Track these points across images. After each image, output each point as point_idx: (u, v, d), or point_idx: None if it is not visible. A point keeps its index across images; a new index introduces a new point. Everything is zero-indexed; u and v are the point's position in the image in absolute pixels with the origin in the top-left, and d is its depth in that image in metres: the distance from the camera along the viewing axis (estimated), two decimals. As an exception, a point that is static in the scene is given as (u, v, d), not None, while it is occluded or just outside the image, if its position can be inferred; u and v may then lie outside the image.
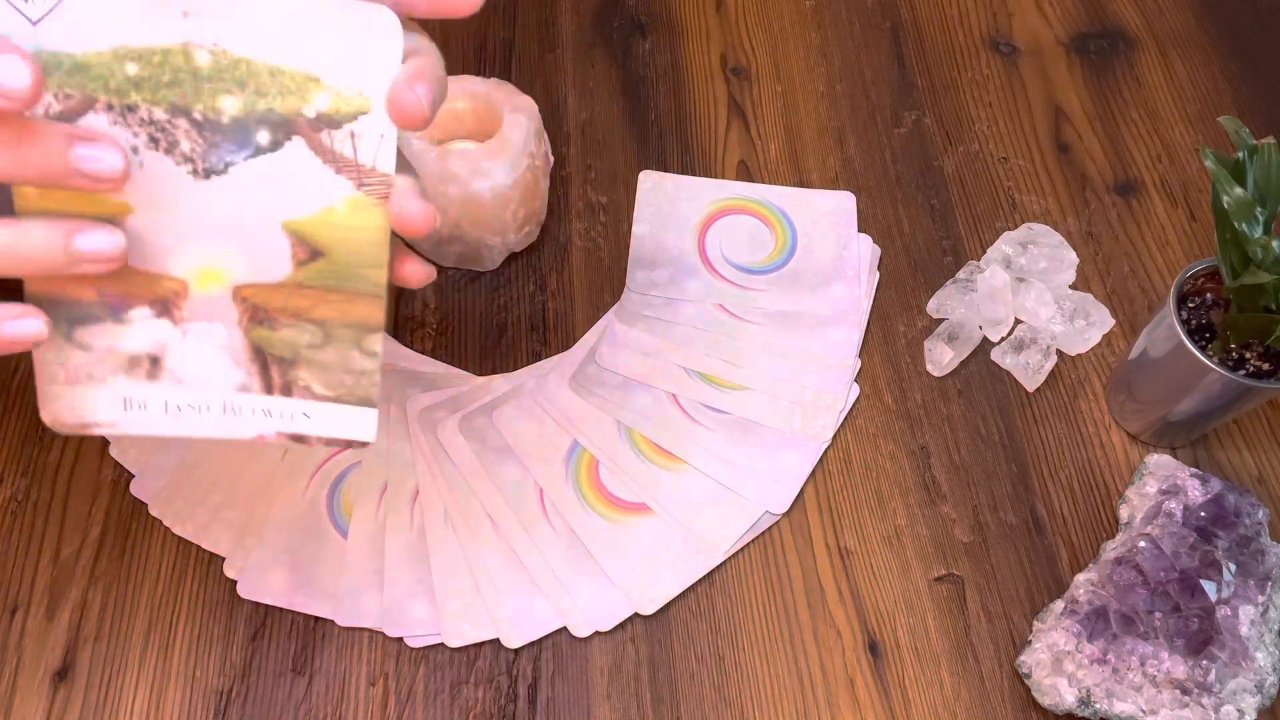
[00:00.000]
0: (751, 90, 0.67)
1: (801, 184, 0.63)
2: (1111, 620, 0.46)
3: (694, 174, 0.63)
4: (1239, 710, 0.44)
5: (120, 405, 0.34)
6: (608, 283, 0.59)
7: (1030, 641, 0.47)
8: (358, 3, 0.31)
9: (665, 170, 0.63)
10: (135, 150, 0.31)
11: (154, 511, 0.51)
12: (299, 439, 0.36)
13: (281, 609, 0.49)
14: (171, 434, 0.35)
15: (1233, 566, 0.46)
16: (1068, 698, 0.45)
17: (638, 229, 0.60)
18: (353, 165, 0.32)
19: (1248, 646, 0.45)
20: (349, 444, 0.36)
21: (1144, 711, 0.45)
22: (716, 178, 0.63)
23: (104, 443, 0.52)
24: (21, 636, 0.48)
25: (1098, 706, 0.45)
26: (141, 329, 0.33)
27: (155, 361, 0.34)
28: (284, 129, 0.32)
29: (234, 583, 0.49)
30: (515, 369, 0.56)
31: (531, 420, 0.54)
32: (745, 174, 0.63)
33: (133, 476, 0.51)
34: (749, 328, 0.57)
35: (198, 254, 0.33)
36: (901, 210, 0.62)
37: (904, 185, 0.63)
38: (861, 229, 0.61)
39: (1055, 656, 0.46)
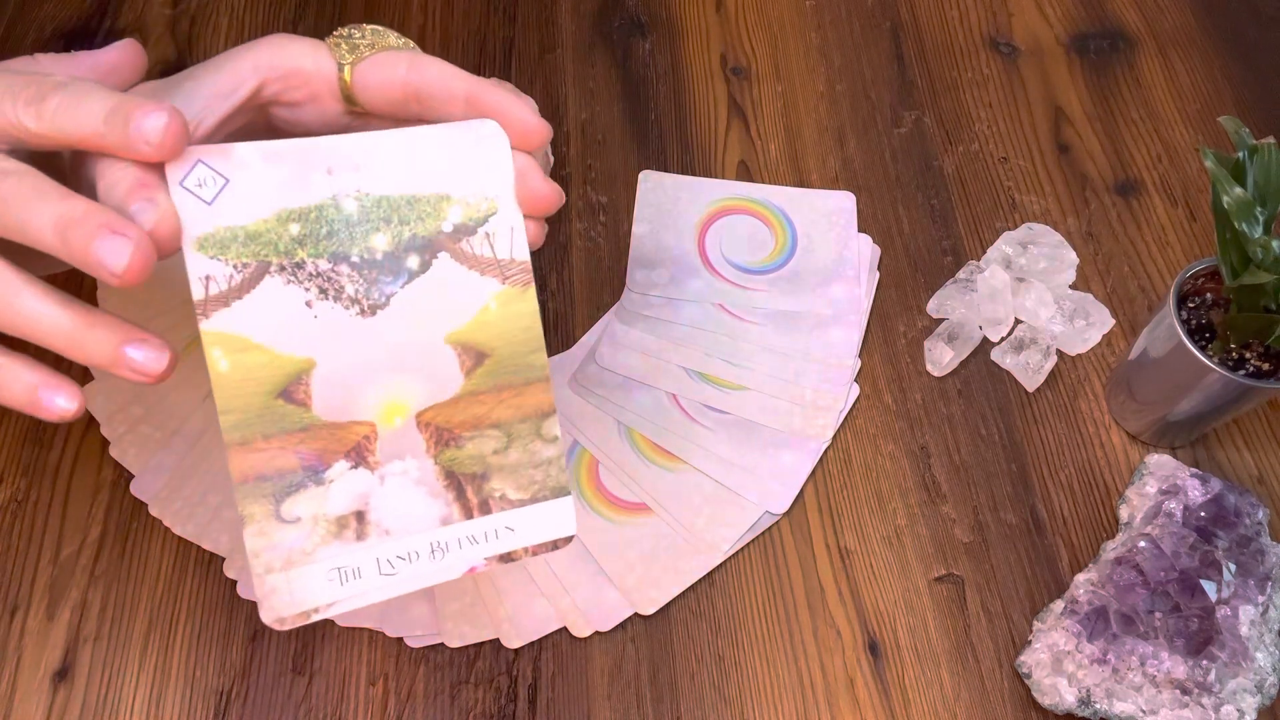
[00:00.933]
0: (751, 90, 0.67)
1: (801, 184, 0.63)
2: (1111, 620, 0.46)
3: (694, 174, 0.63)
4: (1239, 710, 0.44)
5: (337, 579, 0.33)
6: (608, 283, 0.59)
7: (1030, 641, 0.47)
8: (463, 122, 0.34)
9: (665, 170, 0.63)
10: (309, 304, 0.33)
11: (154, 511, 0.51)
12: (508, 558, 0.35)
13: (281, 609, 0.49)
14: (389, 595, 0.34)
15: (1233, 566, 0.46)
16: (1068, 698, 0.45)
17: (638, 229, 0.60)
18: (493, 263, 0.35)
19: (1248, 646, 0.45)
20: (554, 545, 0.36)
21: (1144, 711, 0.45)
22: (716, 178, 0.63)
23: (104, 442, 0.52)
24: (21, 636, 0.48)
25: (1098, 706, 0.45)
26: (343, 486, 0.33)
27: (361, 518, 0.33)
28: (429, 249, 0.34)
29: (234, 583, 0.49)
30: (515, 369, 0.56)
31: (531, 420, 0.54)
32: (745, 174, 0.63)
33: (133, 476, 0.51)
34: (749, 328, 0.57)
35: (379, 391, 0.34)
36: (901, 210, 0.62)
37: (904, 185, 0.63)
38: (861, 229, 0.61)
39: (1055, 656, 0.46)
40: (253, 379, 0.32)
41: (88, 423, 0.53)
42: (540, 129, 0.36)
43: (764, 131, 0.65)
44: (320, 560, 0.33)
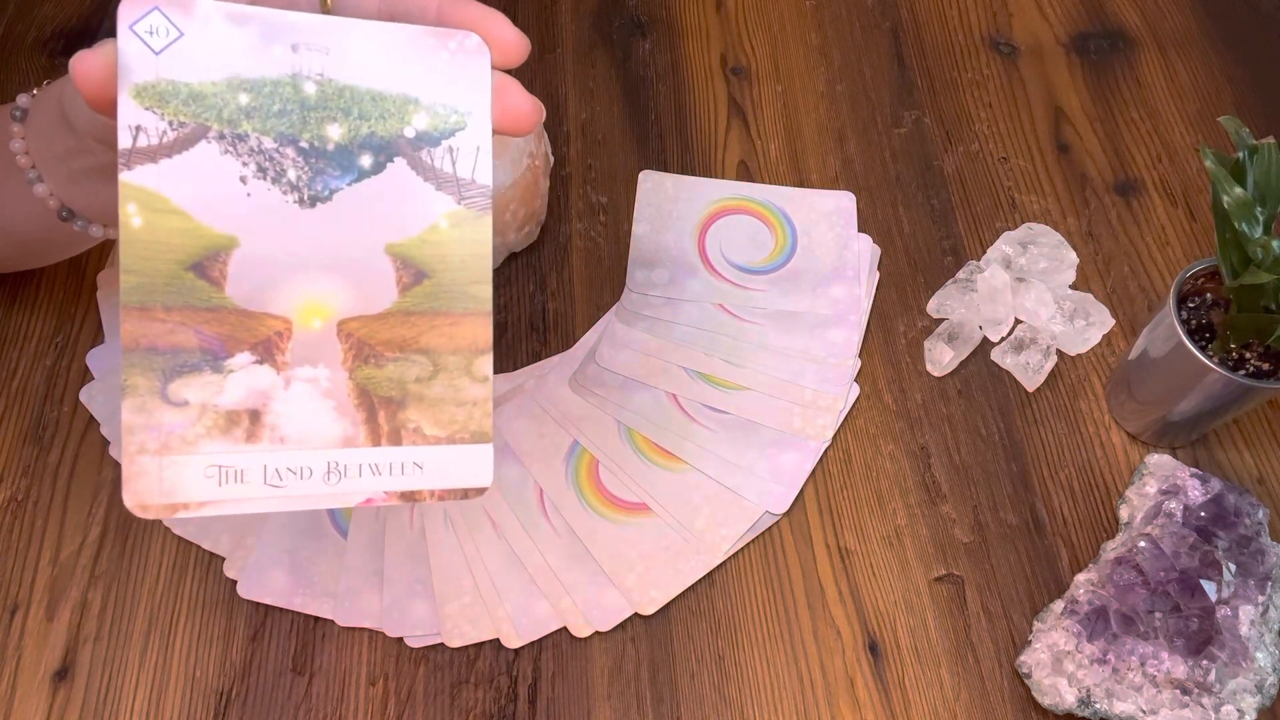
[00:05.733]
0: (751, 90, 0.67)
1: (801, 184, 0.63)
2: (1111, 620, 0.46)
3: (694, 174, 0.63)
4: (1239, 710, 0.44)
5: (216, 478, 0.30)
6: (608, 283, 0.59)
7: (1030, 641, 0.47)
8: (446, 30, 0.33)
9: (665, 170, 0.63)
10: (243, 180, 0.31)
11: (154, 511, 0.51)
12: (410, 497, 0.33)
13: (281, 609, 0.49)
14: (270, 509, 0.31)
15: (1233, 566, 0.46)
16: (1068, 698, 0.45)
17: (638, 229, 0.60)
18: (452, 180, 0.33)
19: (1248, 646, 0.45)
20: (464, 494, 0.33)
21: (1144, 711, 0.45)
22: (716, 178, 0.63)
23: (104, 442, 0.52)
24: (21, 636, 0.48)
25: (1098, 706, 0.45)
26: (242, 378, 0.31)
27: (255, 418, 0.31)
28: (386, 150, 0.32)
29: (234, 583, 0.49)
30: (515, 369, 0.56)
31: (531, 420, 0.54)
32: (745, 174, 0.63)
33: (133, 476, 0.51)
34: (749, 328, 0.57)
35: (302, 288, 0.31)
36: (901, 210, 0.62)
37: (904, 185, 0.63)
38: (861, 229, 0.61)
39: (1055, 656, 0.46)
40: (165, 243, 0.30)
41: (88, 423, 0.53)
42: (518, 43, 0.34)
43: (764, 131, 0.65)
44: (201, 453, 0.30)
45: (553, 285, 0.59)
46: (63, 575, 0.49)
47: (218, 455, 0.31)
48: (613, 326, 0.57)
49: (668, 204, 0.61)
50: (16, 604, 0.48)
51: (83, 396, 0.53)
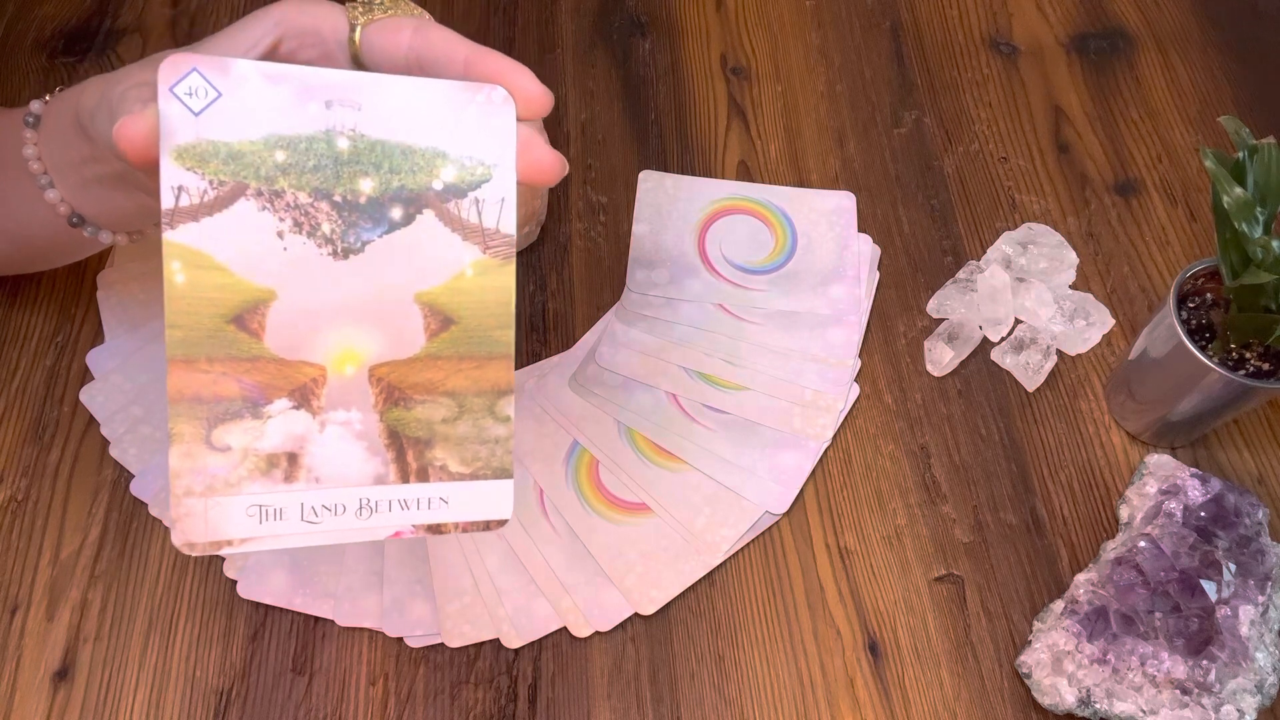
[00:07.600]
0: (751, 90, 0.67)
1: (801, 184, 0.63)
2: (1111, 620, 0.46)
3: (694, 174, 0.63)
4: (1239, 710, 0.44)
5: (257, 516, 0.33)
6: (608, 283, 0.59)
7: (1030, 641, 0.47)
8: (473, 84, 0.34)
9: (665, 170, 0.63)
10: (280, 235, 0.32)
11: (154, 511, 0.51)
12: (436, 529, 0.35)
13: (281, 609, 0.49)
14: (306, 544, 0.34)
15: (1233, 566, 0.46)
16: (1068, 698, 0.45)
17: (638, 229, 0.60)
18: (478, 230, 0.34)
19: (1248, 646, 0.45)
20: (486, 525, 0.35)
21: (1144, 711, 0.45)
22: (716, 178, 0.63)
23: (104, 442, 0.52)
24: (21, 636, 0.48)
25: (1098, 706, 0.45)
26: (281, 423, 0.33)
27: (293, 460, 0.33)
28: (415, 203, 0.33)
29: (234, 583, 0.49)
30: (516, 369, 0.56)
31: (531, 420, 0.54)
32: (745, 174, 0.63)
33: (133, 476, 0.51)
34: (749, 328, 0.57)
35: (336, 337, 0.33)
36: (901, 210, 0.62)
37: (904, 185, 0.63)
38: (861, 229, 0.61)
39: (1055, 656, 0.46)
40: (207, 299, 0.31)
41: (88, 423, 0.53)
42: (542, 97, 0.36)
43: (764, 131, 0.65)
44: (243, 494, 0.32)
45: (553, 285, 0.59)
46: (63, 575, 0.49)
47: (259, 495, 0.33)
48: (613, 326, 0.57)
49: (668, 204, 0.61)
50: (16, 604, 0.48)
51: (83, 396, 0.53)
